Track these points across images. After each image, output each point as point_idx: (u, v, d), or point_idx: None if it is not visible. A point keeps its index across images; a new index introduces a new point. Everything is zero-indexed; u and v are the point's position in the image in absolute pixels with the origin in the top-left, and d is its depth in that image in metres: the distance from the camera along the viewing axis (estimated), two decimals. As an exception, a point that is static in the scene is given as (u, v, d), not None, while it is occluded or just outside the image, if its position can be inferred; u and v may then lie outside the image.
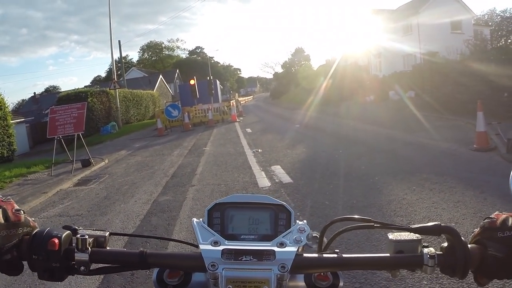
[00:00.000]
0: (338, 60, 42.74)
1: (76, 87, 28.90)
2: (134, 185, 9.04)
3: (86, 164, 12.29)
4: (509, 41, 37.33)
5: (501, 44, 36.11)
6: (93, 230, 0.98)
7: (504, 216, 0.88)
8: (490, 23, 43.92)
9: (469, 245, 0.89)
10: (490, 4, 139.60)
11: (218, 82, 33.33)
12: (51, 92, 64.09)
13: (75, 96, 23.88)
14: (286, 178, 8.02)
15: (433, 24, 32.88)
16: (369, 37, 41.29)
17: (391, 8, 44.48)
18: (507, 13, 43.45)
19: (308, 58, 69.92)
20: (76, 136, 11.93)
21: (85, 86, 37.33)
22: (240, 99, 48.53)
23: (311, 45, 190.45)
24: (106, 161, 13.25)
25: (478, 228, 0.91)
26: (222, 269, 0.88)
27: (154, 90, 43.76)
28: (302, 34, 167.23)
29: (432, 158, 8.67)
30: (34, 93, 55.45)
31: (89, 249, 0.92)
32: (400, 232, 0.97)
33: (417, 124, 14.00)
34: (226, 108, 26.10)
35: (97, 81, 72.10)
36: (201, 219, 1.01)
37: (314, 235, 1.05)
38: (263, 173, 8.75)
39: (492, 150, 8.99)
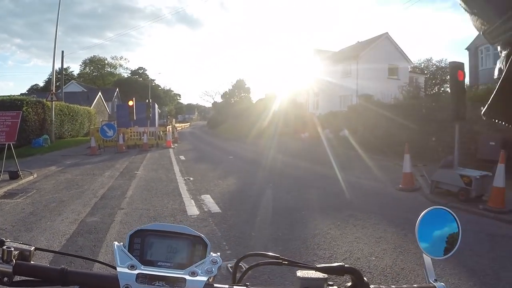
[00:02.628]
0: (278, 96, 43.62)
1: (12, 93, 27.61)
2: (62, 203, 8.69)
3: (14, 176, 11.71)
4: (442, 89, 39.48)
5: (434, 91, 38.12)
6: (20, 243, 1.01)
7: None
8: (425, 72, 46.37)
9: (371, 286, 0.96)
10: (428, 54, 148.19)
11: (156, 106, 33.12)
12: (-16, 96, 61.00)
13: (10, 104, 22.71)
14: (215, 208, 8.01)
15: (371, 68, 34.36)
16: (310, 76, 42.57)
17: (333, 49, 45.97)
18: (443, 63, 46.10)
19: (248, 90, 70.70)
20: (6, 146, 11.42)
21: (21, 94, 35.65)
22: (177, 125, 48.19)
23: (252, 78, 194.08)
24: (35, 175, 12.68)
25: None
26: None
27: (91, 107, 42.54)
28: (244, 66, 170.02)
29: (359, 196, 8.97)
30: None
31: (14, 261, 0.94)
32: (308, 270, 1.02)
33: (348, 162, 14.46)
34: (162, 133, 25.87)
35: (34, 89, 69.14)
36: (122, 243, 1.04)
37: (229, 265, 1.10)
38: (192, 201, 8.69)
39: (416, 191, 9.51)
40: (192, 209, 7.92)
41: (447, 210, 1.27)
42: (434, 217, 1.26)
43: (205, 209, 7.93)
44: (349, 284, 1.01)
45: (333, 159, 15.21)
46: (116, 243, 1.04)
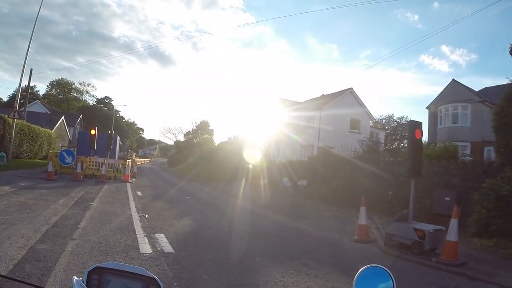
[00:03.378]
0: (240, 140, 43.83)
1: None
2: (12, 227, 8.35)
3: (-35, 192, 11.28)
4: (402, 145, 40.69)
5: (394, 147, 39.22)
6: None
7: None
8: (386, 127, 47.89)
9: None
10: (390, 110, 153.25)
11: (118, 138, 32.83)
12: None
13: (-30, 115, 22.26)
14: (168, 248, 7.87)
15: (334, 121, 35.25)
16: (273, 123, 43.02)
17: (298, 100, 46.96)
18: (403, 120, 47.80)
19: (211, 132, 70.85)
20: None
21: (-18, 107, 34.68)
22: (137, 159, 47.63)
23: (217, 120, 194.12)
24: (-14, 193, 12.26)
25: None
26: None
27: (53, 130, 41.41)
28: (210, 108, 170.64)
29: (314, 245, 9.04)
30: None
31: None
32: None
33: (305, 211, 14.57)
34: (121, 166, 25.42)
35: (-4, 103, 67.68)
36: (81, 278, 1.07)
37: None
38: (146, 239, 8.51)
39: (371, 242, 9.69)
40: (145, 247, 7.77)
41: (382, 268, 1.33)
42: (370, 274, 1.32)
43: (158, 248, 7.79)
44: None
45: (290, 208, 15.32)
46: (75, 277, 1.07)
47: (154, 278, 1.13)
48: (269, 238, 9.70)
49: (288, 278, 6.22)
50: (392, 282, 1.30)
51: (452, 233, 8.11)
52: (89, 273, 1.10)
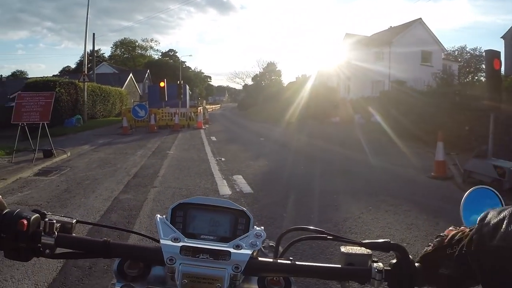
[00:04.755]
0: (309, 79, 43.18)
1: (44, 75, 28.10)
2: (96, 181, 8.89)
3: (48, 154, 11.97)
4: (476, 78, 38.60)
5: (468, 80, 37.33)
6: (61, 216, 1.04)
7: (453, 232, 0.92)
8: (459, 59, 45.39)
9: (416, 264, 0.98)
10: (462, 41, 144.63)
11: (187, 87, 33.21)
12: (18, 77, 61.55)
13: (43, 84, 23.33)
14: (247, 188, 8.10)
15: (404, 54, 33.72)
16: (341, 60, 41.90)
17: (365, 34, 45.19)
18: (477, 51, 45.05)
19: (279, 73, 70.13)
20: (40, 125, 11.67)
21: (53, 75, 36.09)
22: (207, 106, 48.31)
23: (284, 61, 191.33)
24: (69, 153, 12.95)
25: (430, 246, 0.97)
26: (179, 264, 0.95)
27: (123, 88, 42.68)
28: (276, 49, 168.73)
29: (391, 182, 8.93)
30: (0, 75, 53.83)
31: (56, 233, 0.97)
32: (352, 246, 1.03)
33: (380, 148, 14.31)
34: (193, 114, 26.02)
35: (66, 71, 69.38)
36: (164, 216, 1.05)
37: (270, 244, 1.13)
38: (224, 181, 8.79)
39: (449, 179, 9.39)
40: (224, 189, 8.05)
41: (491, 190, 1.31)
42: (479, 195, 1.30)
43: (237, 189, 8.04)
44: (394, 261, 0.99)
45: (364, 144, 15.08)
46: (158, 215, 1.05)
47: (243, 210, 1.09)
48: (346, 175, 9.66)
49: (367, 215, 6.26)
50: (501, 204, 1.28)
51: (533, 172, 7.72)
52: (173, 210, 1.07)
